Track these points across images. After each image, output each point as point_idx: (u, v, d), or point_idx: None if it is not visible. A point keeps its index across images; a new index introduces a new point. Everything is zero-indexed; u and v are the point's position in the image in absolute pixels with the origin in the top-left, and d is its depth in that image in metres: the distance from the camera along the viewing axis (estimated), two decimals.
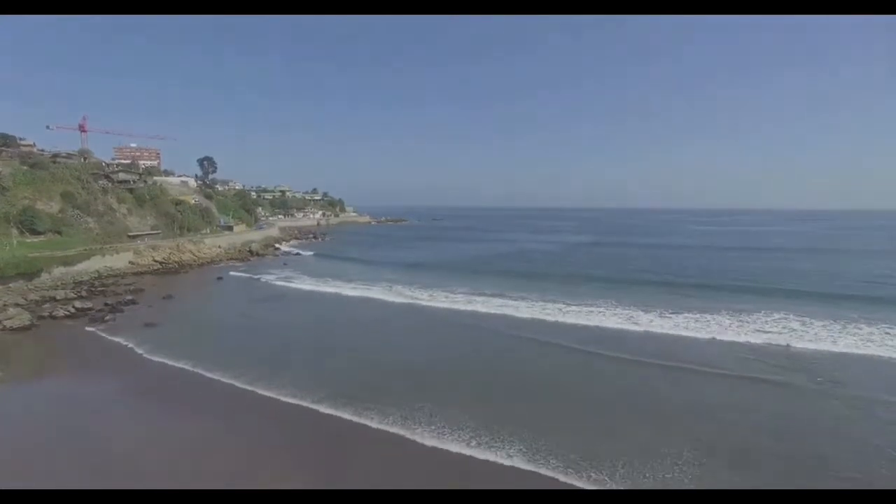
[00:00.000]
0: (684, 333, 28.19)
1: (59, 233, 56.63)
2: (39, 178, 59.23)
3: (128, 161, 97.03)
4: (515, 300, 38.38)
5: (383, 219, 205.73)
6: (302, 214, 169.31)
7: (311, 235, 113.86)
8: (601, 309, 34.70)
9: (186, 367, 23.14)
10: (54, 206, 58.65)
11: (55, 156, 65.34)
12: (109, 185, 67.33)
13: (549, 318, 32.65)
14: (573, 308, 35.14)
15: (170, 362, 23.82)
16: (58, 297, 40.30)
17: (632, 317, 32.48)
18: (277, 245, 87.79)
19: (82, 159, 68.63)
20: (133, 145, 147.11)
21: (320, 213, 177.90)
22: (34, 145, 70.21)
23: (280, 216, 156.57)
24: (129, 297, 38.62)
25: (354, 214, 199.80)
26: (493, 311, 34.98)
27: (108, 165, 75.34)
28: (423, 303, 38.60)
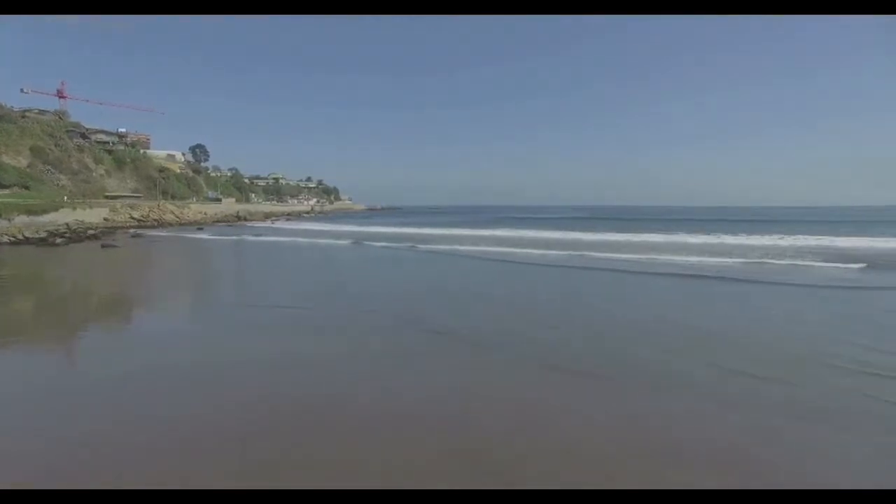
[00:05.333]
0: None
1: (27, 187, 52.15)
2: (6, 131, 54.75)
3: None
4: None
5: (379, 207, 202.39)
6: (296, 201, 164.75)
7: (304, 214, 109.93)
8: None
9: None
10: (22, 161, 54.22)
11: (26, 111, 60.79)
12: (86, 144, 62.90)
13: None
14: None
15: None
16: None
17: None
18: (268, 217, 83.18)
19: (57, 118, 64.06)
20: (122, 130, 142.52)
21: (314, 199, 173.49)
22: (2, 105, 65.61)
23: (273, 201, 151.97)
24: (92, 233, 34.36)
25: (350, 202, 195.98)
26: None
27: (88, 129, 70.71)
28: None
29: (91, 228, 46.95)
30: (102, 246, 26.81)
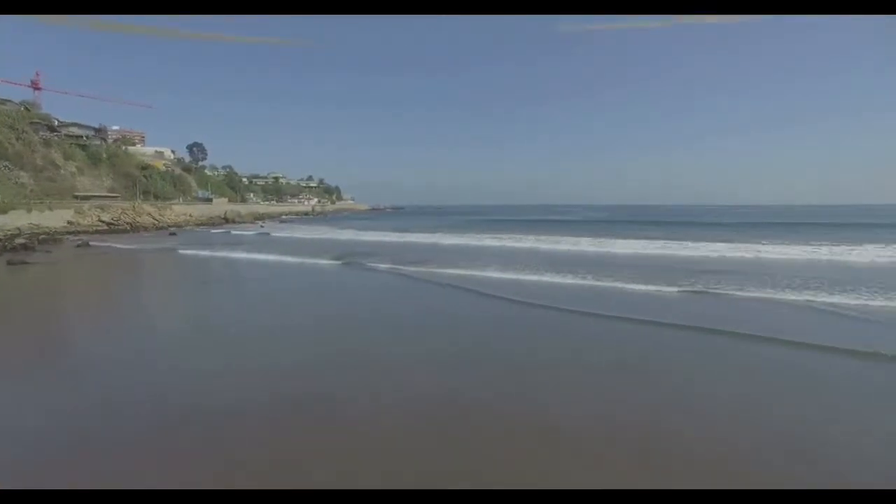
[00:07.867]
0: None
1: None
2: None
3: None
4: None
5: (383, 207, 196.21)
6: (297, 201, 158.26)
7: (304, 214, 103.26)
8: None
9: None
10: None
11: None
12: (54, 137, 56.16)
13: None
14: None
15: None
16: None
17: None
18: (259, 219, 75.69)
19: (23, 109, 57.25)
20: (115, 128, 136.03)
21: (315, 199, 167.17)
22: None
23: (273, 201, 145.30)
24: (22, 242, 27.43)
25: (352, 202, 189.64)
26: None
27: (60, 123, 63.94)
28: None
29: (45, 233, 40.05)
30: (9, 263, 19.86)
